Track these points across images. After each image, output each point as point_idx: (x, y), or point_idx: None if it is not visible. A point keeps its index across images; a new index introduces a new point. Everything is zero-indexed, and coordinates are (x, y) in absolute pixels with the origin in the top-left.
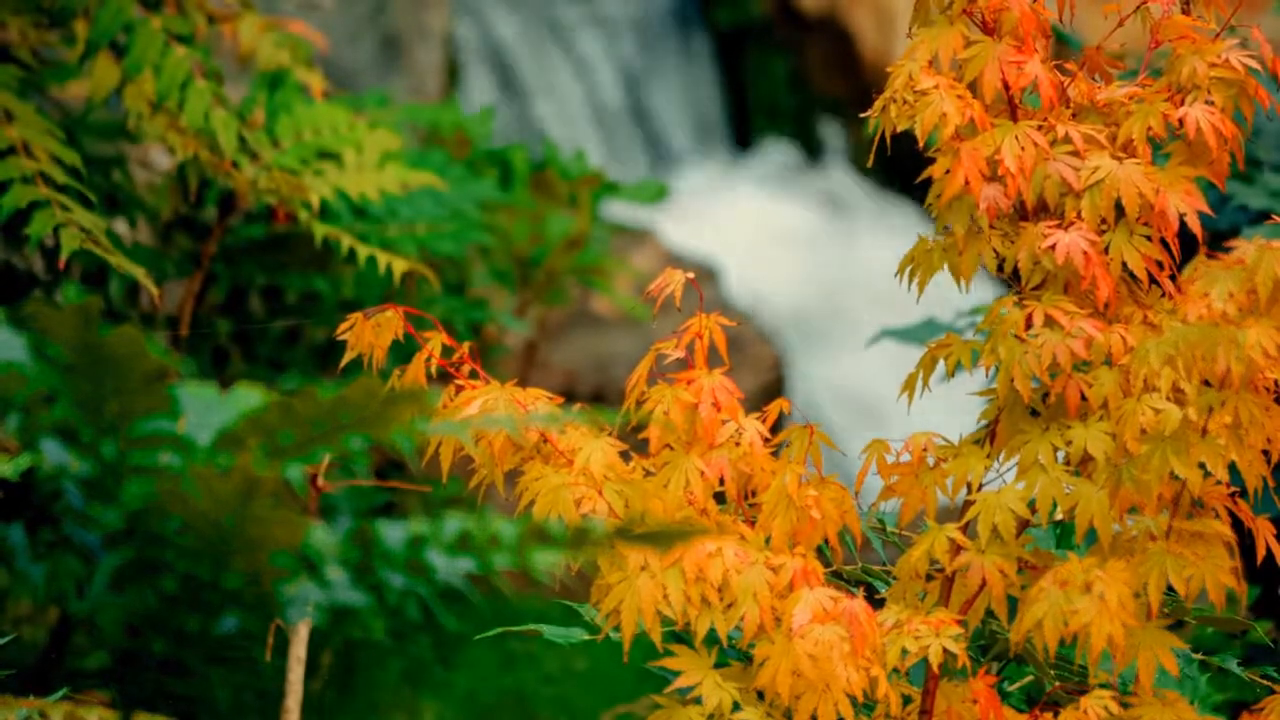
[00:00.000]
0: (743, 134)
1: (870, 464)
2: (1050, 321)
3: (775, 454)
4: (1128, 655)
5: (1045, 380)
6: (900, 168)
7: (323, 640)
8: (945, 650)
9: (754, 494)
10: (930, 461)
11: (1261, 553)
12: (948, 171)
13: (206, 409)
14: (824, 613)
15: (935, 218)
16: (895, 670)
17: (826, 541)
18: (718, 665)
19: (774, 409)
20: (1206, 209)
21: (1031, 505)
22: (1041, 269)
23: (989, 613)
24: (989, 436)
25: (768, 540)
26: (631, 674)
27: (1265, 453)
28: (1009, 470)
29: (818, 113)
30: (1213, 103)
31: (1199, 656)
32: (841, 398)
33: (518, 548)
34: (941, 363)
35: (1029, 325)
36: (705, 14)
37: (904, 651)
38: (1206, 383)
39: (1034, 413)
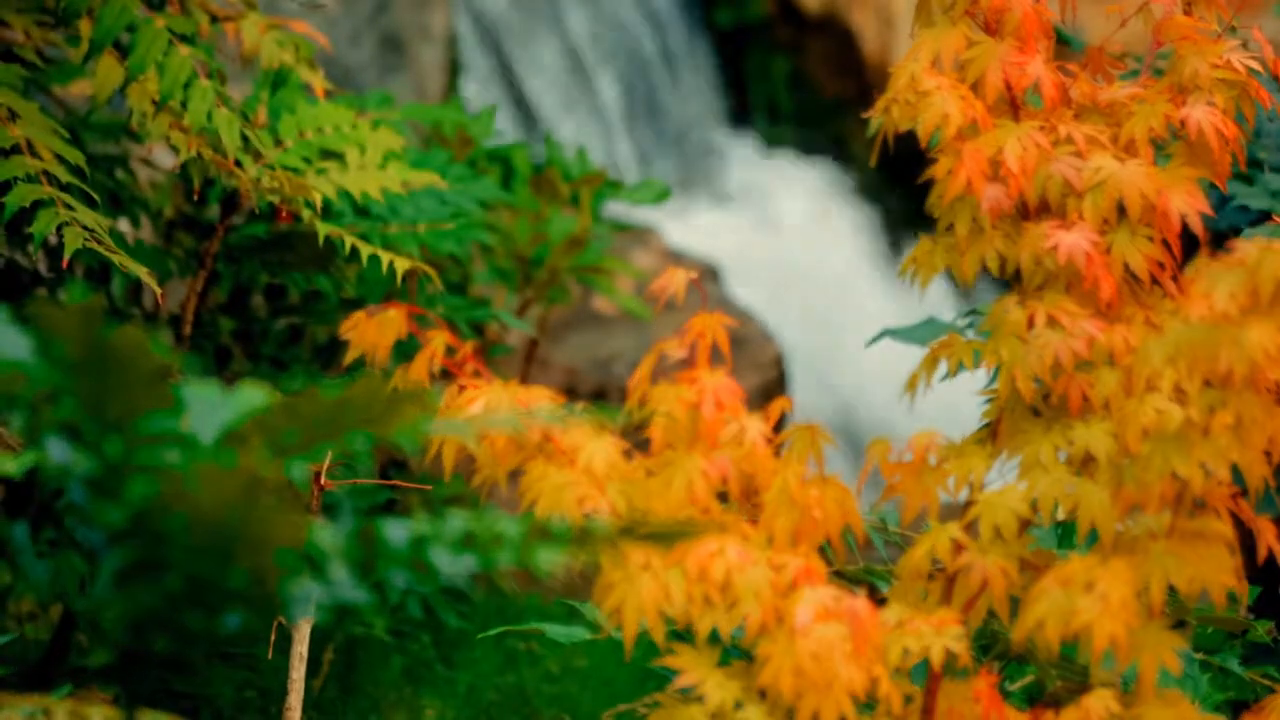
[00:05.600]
0: (745, 134)
1: (872, 463)
2: (1052, 322)
3: (778, 453)
4: (1130, 654)
5: (1047, 380)
6: (902, 166)
7: (324, 638)
8: (947, 650)
9: (756, 493)
10: (932, 461)
11: (1263, 553)
12: (950, 172)
13: (210, 407)
14: (826, 612)
15: (937, 218)
16: (897, 669)
17: (829, 541)
18: (720, 664)
19: (776, 408)
20: (1208, 209)
21: (1034, 505)
22: (1044, 269)
23: (991, 612)
24: (991, 436)
25: (770, 540)
26: (634, 673)
27: (1267, 453)
28: (1011, 470)
29: (819, 113)
30: (1214, 103)
31: (1200, 656)
32: (842, 396)
33: (521, 546)
34: (943, 362)
35: (1031, 325)
36: (707, 14)
37: (906, 651)
38: (1208, 383)
39: (1036, 412)
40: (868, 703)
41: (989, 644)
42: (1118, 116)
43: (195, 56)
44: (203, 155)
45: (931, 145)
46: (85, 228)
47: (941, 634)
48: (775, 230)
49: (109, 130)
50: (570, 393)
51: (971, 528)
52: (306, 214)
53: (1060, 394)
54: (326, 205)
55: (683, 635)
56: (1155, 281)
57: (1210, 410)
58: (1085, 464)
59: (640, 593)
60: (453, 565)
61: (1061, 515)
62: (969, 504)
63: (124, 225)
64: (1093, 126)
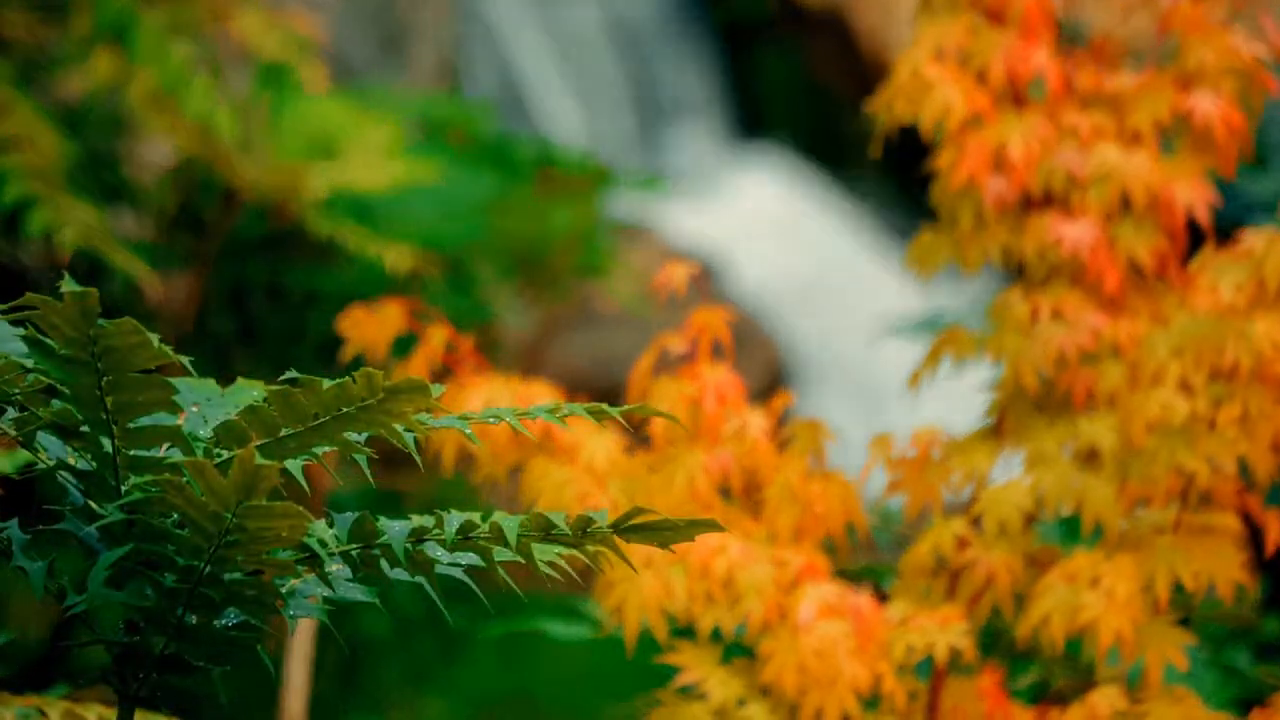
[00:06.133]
0: (748, 130)
1: (875, 459)
2: (1057, 315)
3: (781, 449)
4: (1136, 650)
5: (1052, 374)
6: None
7: (326, 637)
8: (952, 646)
9: (759, 489)
10: (936, 456)
11: (1271, 547)
12: (953, 164)
13: (207, 402)
14: (829, 608)
15: (941, 209)
16: (901, 666)
17: (832, 537)
18: (723, 661)
19: (778, 403)
20: (1214, 200)
21: (1039, 500)
22: (1048, 261)
23: (995, 608)
24: (995, 431)
25: (773, 536)
26: (635, 670)
27: (1275, 446)
28: (1015, 465)
29: (822, 108)
30: (1221, 93)
31: (1206, 654)
32: (843, 389)
33: (520, 542)
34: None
35: (1035, 319)
36: (711, 12)
37: (910, 647)
38: (1215, 376)
39: (1040, 407)
40: (871, 699)
41: (993, 641)
42: (1123, 107)
43: (194, 51)
44: (201, 151)
45: (936, 138)
46: (83, 224)
47: (946, 630)
48: (778, 226)
49: (107, 126)
50: (571, 390)
51: (975, 523)
52: (306, 211)
53: (1065, 388)
54: (326, 202)
55: (685, 632)
56: (1159, 275)
57: (1216, 403)
58: (1090, 458)
59: (642, 590)
60: (452, 561)
61: (1066, 510)
62: (973, 499)
63: (122, 222)
64: (1098, 116)
